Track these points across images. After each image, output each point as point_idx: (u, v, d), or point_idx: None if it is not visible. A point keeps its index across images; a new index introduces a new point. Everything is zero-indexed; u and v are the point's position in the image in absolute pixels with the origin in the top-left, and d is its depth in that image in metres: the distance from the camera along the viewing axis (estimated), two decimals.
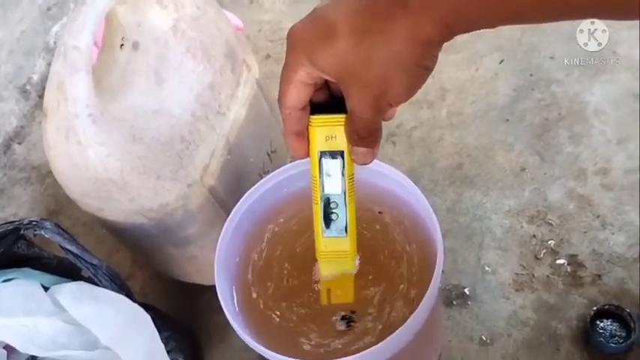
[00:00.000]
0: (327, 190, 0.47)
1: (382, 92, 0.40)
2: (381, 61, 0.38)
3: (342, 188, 0.47)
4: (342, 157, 0.45)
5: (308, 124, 0.45)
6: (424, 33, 0.37)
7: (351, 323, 0.57)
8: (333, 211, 0.48)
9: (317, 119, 0.45)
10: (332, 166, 0.46)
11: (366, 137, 0.43)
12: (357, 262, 0.53)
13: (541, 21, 0.37)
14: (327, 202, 0.47)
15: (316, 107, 0.45)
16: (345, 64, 0.39)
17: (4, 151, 1.03)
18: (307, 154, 0.46)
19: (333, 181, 0.47)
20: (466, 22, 0.38)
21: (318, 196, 0.47)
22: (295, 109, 0.44)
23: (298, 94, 0.43)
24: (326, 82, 0.43)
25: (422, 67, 0.39)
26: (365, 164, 0.46)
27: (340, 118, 0.44)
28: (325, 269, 0.52)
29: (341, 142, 0.45)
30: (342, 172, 0.46)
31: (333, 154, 0.45)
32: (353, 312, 0.57)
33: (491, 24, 0.37)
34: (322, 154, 0.46)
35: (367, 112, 0.41)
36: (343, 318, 0.57)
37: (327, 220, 0.48)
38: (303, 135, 0.45)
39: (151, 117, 0.59)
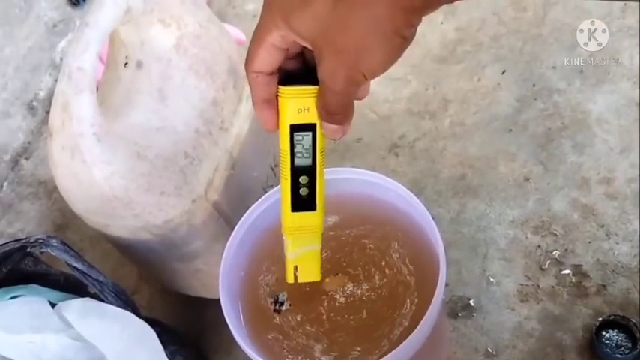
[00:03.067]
0: (297, 165, 0.45)
1: (356, 60, 0.38)
2: (358, 25, 0.36)
3: (312, 162, 0.45)
4: (314, 131, 0.43)
5: (277, 94, 0.42)
6: None
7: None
8: (303, 185, 0.46)
9: (288, 90, 0.42)
10: (303, 140, 0.44)
11: (336, 113, 0.42)
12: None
13: None
14: (296, 177, 0.46)
15: (288, 78, 0.43)
16: (320, 26, 0.37)
17: (12, 167, 1.04)
18: (277, 127, 0.44)
19: (303, 155, 0.45)
20: None
21: (288, 171, 0.45)
22: (263, 73, 0.41)
23: (269, 57, 0.40)
24: (301, 51, 0.42)
25: (400, 37, 0.37)
26: (334, 139, 0.44)
27: (313, 89, 0.41)
28: (292, 246, 0.50)
29: (313, 115, 0.43)
30: (314, 147, 0.44)
31: (304, 128, 0.43)
32: None
33: None
34: (293, 127, 0.43)
35: (339, 83, 0.39)
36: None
37: (296, 196, 0.46)
38: (272, 104, 0.43)
39: (155, 134, 0.60)
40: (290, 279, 0.52)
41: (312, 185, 0.46)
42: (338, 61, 0.38)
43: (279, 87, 0.42)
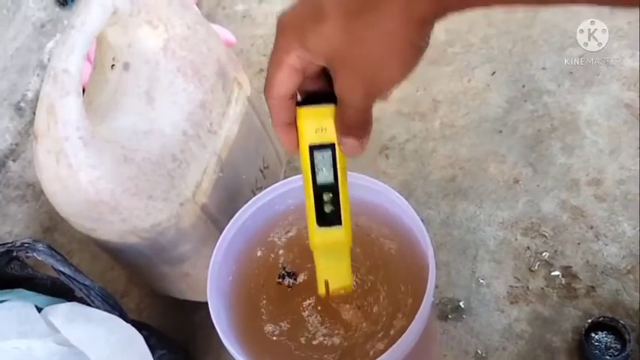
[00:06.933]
0: (320, 183, 0.46)
1: (373, 74, 0.38)
2: (372, 41, 0.37)
3: (334, 180, 0.46)
4: (333, 150, 0.44)
5: (296, 116, 0.43)
6: (418, 10, 0.36)
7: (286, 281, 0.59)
8: (327, 202, 0.47)
9: (305, 111, 0.43)
10: (323, 159, 0.45)
11: (354, 127, 0.42)
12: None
13: (537, 4, 0.36)
14: (319, 195, 0.46)
15: (309, 99, 0.43)
16: (335, 45, 0.37)
17: None
18: (297, 148, 0.45)
19: (324, 173, 0.45)
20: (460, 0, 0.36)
21: (310, 189, 0.46)
22: (283, 97, 0.42)
23: (287, 80, 0.41)
24: (321, 72, 0.42)
25: (415, 47, 0.37)
26: (354, 156, 0.44)
27: (330, 108, 0.42)
28: (321, 261, 0.51)
29: (331, 135, 0.43)
30: (334, 165, 0.45)
31: (323, 147, 0.44)
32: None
33: (486, 2, 0.36)
34: (312, 147, 0.44)
35: (356, 98, 0.39)
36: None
37: (321, 212, 0.47)
38: (292, 126, 0.44)
39: (142, 137, 0.59)
40: (322, 291, 0.53)
41: (336, 201, 0.47)
42: (354, 77, 0.39)
43: (297, 108, 0.43)
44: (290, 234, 0.63)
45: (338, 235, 0.48)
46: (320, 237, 0.48)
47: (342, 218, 0.47)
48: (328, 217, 0.47)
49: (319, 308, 0.59)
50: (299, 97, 0.44)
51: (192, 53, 0.63)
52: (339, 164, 0.45)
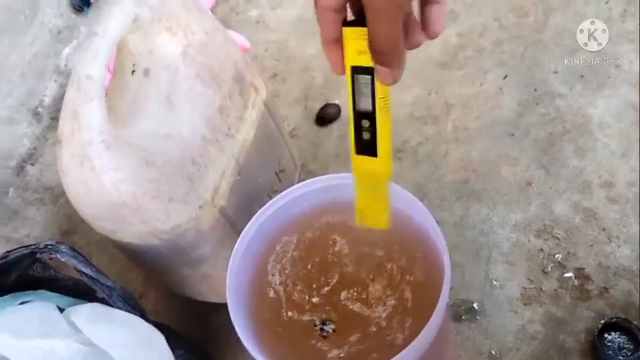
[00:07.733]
0: (359, 108, 0.45)
1: None
2: None
3: (372, 107, 0.44)
4: (373, 75, 0.43)
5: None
6: None
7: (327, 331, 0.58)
8: (365, 129, 0.46)
9: (349, 30, 0.42)
10: (363, 83, 0.44)
11: (383, 52, 0.41)
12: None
13: None
14: (359, 121, 0.45)
15: (358, 21, 0.42)
16: None
17: (18, 173, 1.04)
18: (343, 70, 0.44)
19: (364, 98, 0.44)
20: None
21: (351, 113, 0.45)
22: (328, 9, 0.41)
23: None
24: None
25: None
26: (387, 85, 0.43)
27: None
28: (358, 188, 0.50)
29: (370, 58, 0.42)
30: (373, 90, 0.44)
31: (364, 70, 0.43)
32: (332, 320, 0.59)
33: None
34: (354, 69, 0.43)
35: (382, 12, 0.39)
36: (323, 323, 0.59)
37: (359, 139, 0.46)
38: (338, 45, 0.43)
39: (163, 141, 0.60)
40: (358, 221, 0.52)
41: (373, 131, 0.46)
42: None
43: (343, 28, 0.42)
44: (306, 235, 0.64)
45: (373, 165, 0.47)
46: (357, 164, 0.48)
47: (378, 150, 0.46)
48: (365, 146, 0.46)
49: (336, 309, 0.60)
50: (351, 18, 0.43)
51: (211, 59, 0.64)
52: (377, 92, 0.44)
